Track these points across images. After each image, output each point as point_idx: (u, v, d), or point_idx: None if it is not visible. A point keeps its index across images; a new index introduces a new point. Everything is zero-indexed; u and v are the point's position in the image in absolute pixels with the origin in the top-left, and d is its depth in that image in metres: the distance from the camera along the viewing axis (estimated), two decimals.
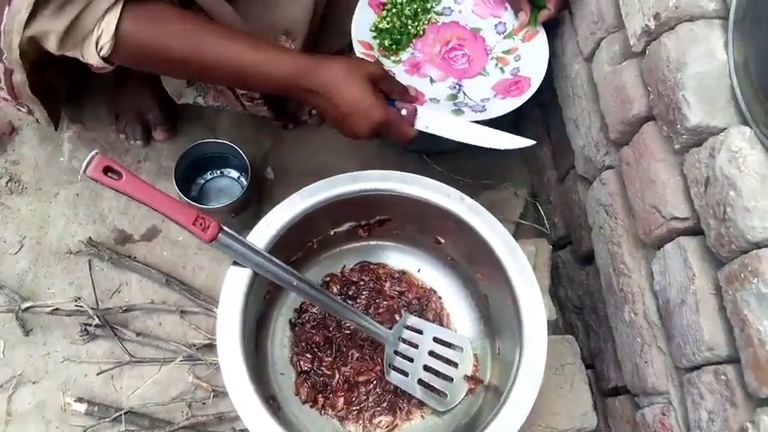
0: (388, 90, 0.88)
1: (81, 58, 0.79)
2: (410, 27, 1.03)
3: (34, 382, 1.04)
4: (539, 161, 1.21)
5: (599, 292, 0.94)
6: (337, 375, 0.88)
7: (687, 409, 0.73)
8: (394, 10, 1.03)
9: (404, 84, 0.92)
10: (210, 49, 0.79)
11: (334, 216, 0.89)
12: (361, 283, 0.94)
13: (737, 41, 0.69)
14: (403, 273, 0.95)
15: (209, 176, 1.17)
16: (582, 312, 1.05)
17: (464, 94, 1.00)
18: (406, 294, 0.93)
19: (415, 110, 0.88)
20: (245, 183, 1.09)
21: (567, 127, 1.03)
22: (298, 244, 0.89)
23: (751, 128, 0.66)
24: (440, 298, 0.94)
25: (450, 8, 1.07)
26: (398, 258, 0.96)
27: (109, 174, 0.69)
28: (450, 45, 1.04)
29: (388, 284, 0.93)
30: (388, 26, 1.02)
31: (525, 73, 0.99)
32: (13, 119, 1.21)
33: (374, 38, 1.03)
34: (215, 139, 1.12)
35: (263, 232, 0.80)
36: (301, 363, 0.89)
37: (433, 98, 0.98)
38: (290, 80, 0.81)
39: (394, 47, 1.02)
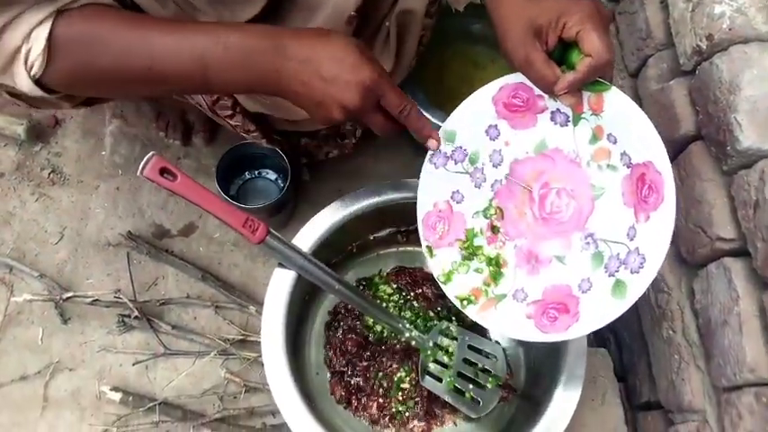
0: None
1: (14, 86, 0.66)
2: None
3: (71, 370, 1.06)
4: None
5: (634, 307, 0.94)
6: (372, 380, 0.89)
7: (724, 428, 0.74)
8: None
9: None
10: (161, 42, 0.65)
11: (375, 222, 0.90)
12: (398, 287, 0.95)
13: None
14: None
15: (248, 176, 1.18)
16: (614, 326, 1.05)
17: (600, 242, 0.72)
18: (443, 299, 0.94)
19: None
20: (282, 184, 1.10)
21: None
22: (338, 248, 0.90)
23: None
24: None
25: (496, 178, 0.79)
26: None
27: (164, 175, 0.70)
28: (535, 201, 0.77)
29: (425, 289, 0.94)
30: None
31: (634, 153, 0.69)
32: (57, 112, 1.23)
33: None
34: None
35: (307, 236, 0.81)
36: (336, 364, 0.90)
37: (583, 280, 0.73)
38: (257, 52, 0.65)
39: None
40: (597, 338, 1.10)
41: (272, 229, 0.76)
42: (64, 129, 1.22)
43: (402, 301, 0.94)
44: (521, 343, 0.92)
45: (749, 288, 0.71)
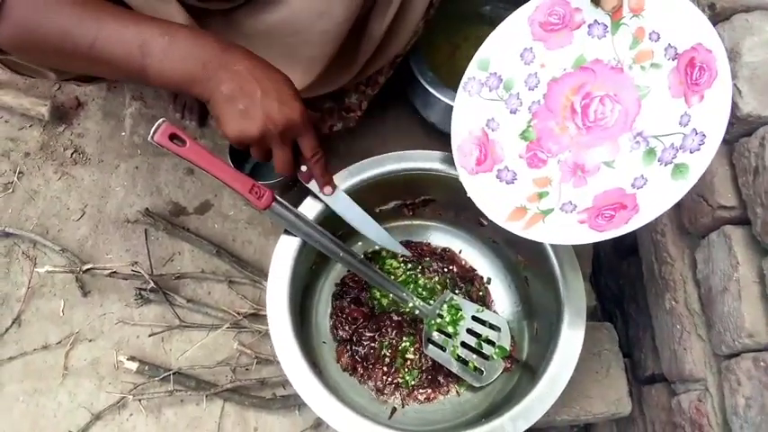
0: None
1: None
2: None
3: (90, 341, 1.10)
4: None
5: (640, 282, 0.95)
6: (377, 349, 0.91)
7: (724, 395, 0.74)
8: None
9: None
10: (108, 23, 0.66)
11: (381, 194, 0.92)
12: (405, 260, 0.96)
13: None
14: (446, 250, 0.97)
15: None
16: (621, 302, 1.05)
17: (651, 138, 0.73)
18: (449, 271, 0.95)
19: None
20: None
21: None
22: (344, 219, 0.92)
23: None
24: (481, 278, 0.96)
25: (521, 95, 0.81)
26: (441, 238, 0.98)
27: (174, 141, 0.73)
28: (578, 112, 0.79)
29: (430, 260, 0.96)
30: None
31: (679, 42, 0.71)
32: (79, 94, 1.27)
33: None
34: None
35: (314, 204, 0.84)
36: (341, 333, 0.92)
37: (636, 179, 0.73)
38: (203, 48, 0.67)
39: None
40: (604, 314, 1.10)
41: (277, 196, 0.78)
42: (86, 110, 1.27)
43: (408, 274, 0.96)
44: (525, 314, 0.93)
45: (749, 255, 0.71)
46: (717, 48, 0.67)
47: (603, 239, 0.70)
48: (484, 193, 0.80)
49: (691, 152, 0.68)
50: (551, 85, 0.79)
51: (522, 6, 0.77)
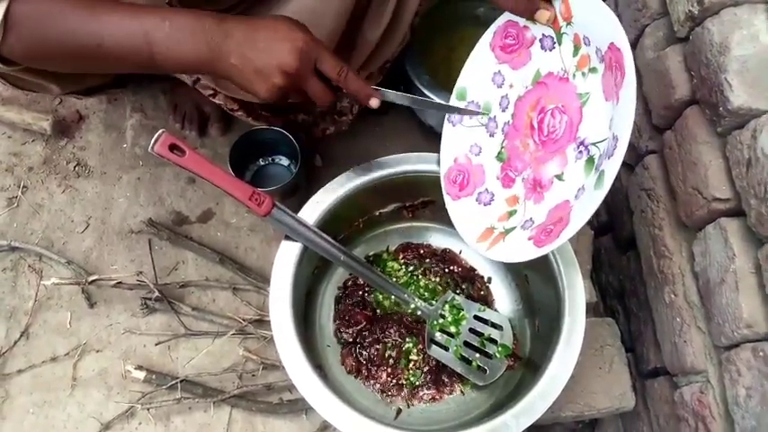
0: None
1: None
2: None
3: (98, 351, 1.11)
4: None
5: (639, 276, 0.96)
6: (381, 351, 0.92)
7: (725, 386, 0.74)
8: None
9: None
10: (110, 19, 0.67)
11: (381, 197, 0.93)
12: (406, 262, 0.97)
13: None
14: (446, 251, 0.98)
15: (262, 163, 1.22)
16: (623, 297, 1.06)
17: (591, 146, 0.72)
18: (450, 272, 0.96)
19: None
20: (295, 170, 1.14)
21: None
22: (345, 222, 0.93)
23: None
24: (481, 277, 0.97)
25: (494, 118, 0.83)
26: (441, 239, 0.99)
27: (174, 151, 0.74)
28: (535, 128, 0.79)
29: (431, 262, 0.97)
30: None
31: (601, 43, 0.69)
32: (80, 108, 1.29)
33: None
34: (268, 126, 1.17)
35: (314, 209, 0.85)
36: (345, 336, 0.93)
37: (579, 189, 0.72)
38: (201, 30, 0.68)
39: None
40: (606, 310, 1.11)
41: (277, 203, 0.79)
42: (87, 124, 1.28)
43: (409, 276, 0.97)
44: (526, 312, 0.93)
45: (744, 246, 0.72)
46: (624, 45, 0.65)
47: (539, 256, 0.71)
48: (464, 215, 0.83)
49: (608, 158, 0.65)
50: (518, 103, 0.81)
51: (483, 36, 0.81)
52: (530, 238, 0.74)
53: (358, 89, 0.72)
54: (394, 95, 0.75)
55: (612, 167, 0.64)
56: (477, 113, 0.82)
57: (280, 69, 0.67)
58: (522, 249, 0.74)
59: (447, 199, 0.85)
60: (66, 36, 0.67)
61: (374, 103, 0.74)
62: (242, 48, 0.68)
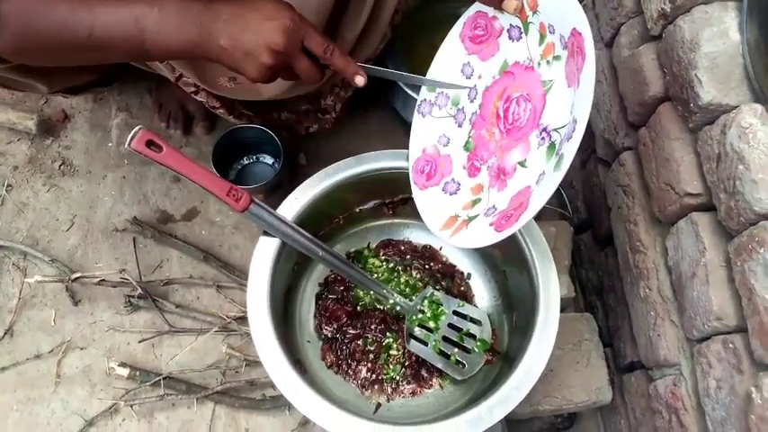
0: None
1: None
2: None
3: (82, 348, 1.11)
4: None
5: (617, 272, 0.97)
6: (360, 346, 0.93)
7: (697, 378, 0.75)
8: None
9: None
10: (100, 9, 0.68)
11: (360, 193, 0.93)
12: (386, 258, 0.98)
13: (751, 22, 0.71)
14: (426, 247, 0.99)
15: (246, 161, 1.23)
16: (601, 293, 1.07)
17: (552, 132, 0.73)
18: (430, 268, 0.97)
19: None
20: (279, 168, 1.14)
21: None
22: (325, 219, 0.94)
23: (762, 105, 0.68)
24: (461, 273, 0.98)
25: (462, 108, 0.85)
26: (421, 236, 1.00)
27: (151, 147, 0.75)
28: (501, 117, 0.80)
29: (411, 258, 0.97)
30: None
31: (564, 29, 0.71)
32: (65, 107, 1.30)
33: None
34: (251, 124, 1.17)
35: (292, 205, 0.85)
36: (326, 331, 0.94)
37: (540, 175, 0.72)
38: (189, 14, 0.68)
39: None
40: (585, 306, 1.12)
41: (255, 198, 0.80)
42: (73, 123, 1.29)
43: (390, 273, 0.97)
44: (504, 308, 0.94)
45: (715, 240, 0.73)
46: (585, 29, 0.66)
47: (500, 240, 0.71)
48: (430, 205, 0.84)
49: (567, 140, 0.66)
50: (485, 93, 0.82)
51: (454, 25, 0.82)
52: (491, 224, 0.75)
53: (344, 66, 0.73)
54: (380, 72, 0.76)
55: (571, 149, 0.64)
56: (462, 87, 0.83)
57: (268, 48, 0.68)
58: (482, 235, 0.75)
59: (414, 189, 0.86)
60: (56, 27, 0.68)
61: (360, 80, 0.74)
62: (230, 29, 0.68)
